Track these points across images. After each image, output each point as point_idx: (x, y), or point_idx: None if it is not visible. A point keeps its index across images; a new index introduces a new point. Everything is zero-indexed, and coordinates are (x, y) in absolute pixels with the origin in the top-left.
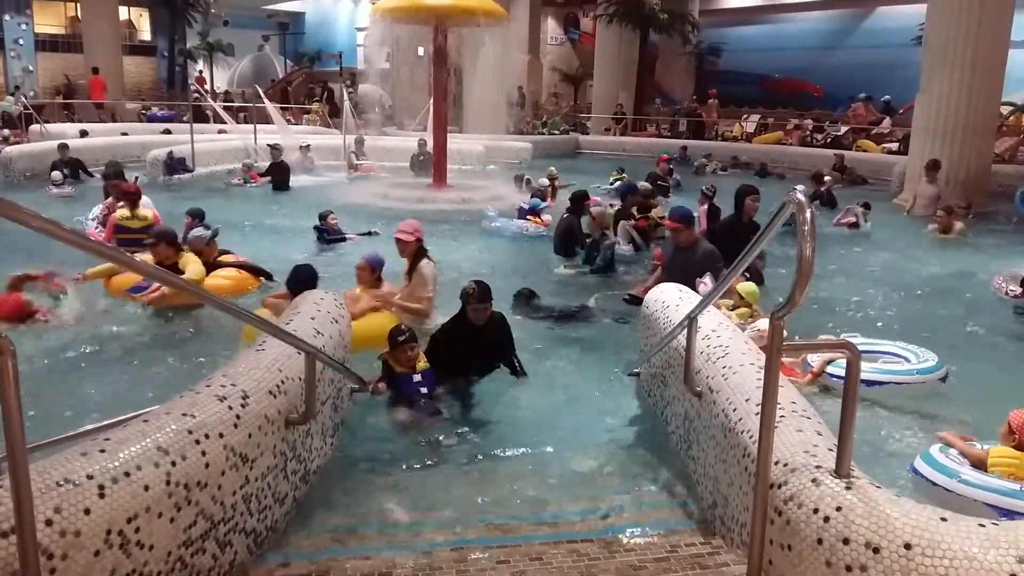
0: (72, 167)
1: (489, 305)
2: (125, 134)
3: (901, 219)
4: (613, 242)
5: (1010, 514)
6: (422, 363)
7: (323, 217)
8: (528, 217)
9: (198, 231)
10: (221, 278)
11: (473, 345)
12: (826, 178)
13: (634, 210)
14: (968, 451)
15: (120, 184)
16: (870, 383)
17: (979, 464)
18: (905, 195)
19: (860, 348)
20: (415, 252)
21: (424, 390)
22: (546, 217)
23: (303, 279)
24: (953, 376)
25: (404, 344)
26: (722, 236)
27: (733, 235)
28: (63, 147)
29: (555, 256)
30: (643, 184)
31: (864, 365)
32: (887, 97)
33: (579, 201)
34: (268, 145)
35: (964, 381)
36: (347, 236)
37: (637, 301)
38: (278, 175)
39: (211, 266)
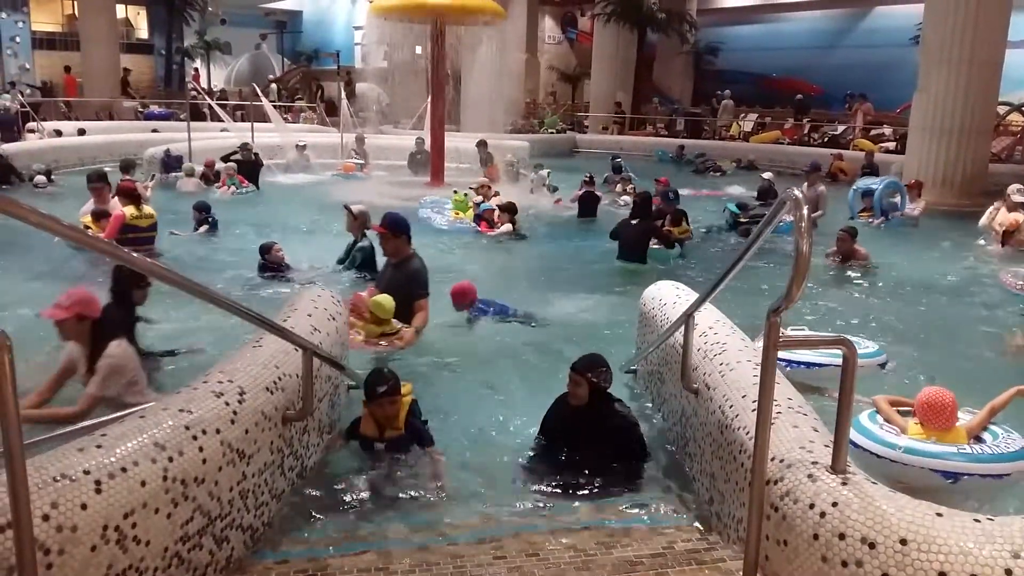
0: (2, 172)
1: (581, 380)
2: (83, 131)
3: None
4: (367, 245)
5: (955, 475)
6: (398, 424)
7: (267, 249)
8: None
9: None
10: None
11: (570, 429)
12: None
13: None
14: (893, 419)
15: (120, 184)
16: (811, 365)
17: (902, 432)
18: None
19: (802, 336)
20: (89, 334)
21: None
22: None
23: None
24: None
25: (383, 397)
26: None
27: None
28: None
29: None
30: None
31: (808, 352)
32: (799, 96)
33: (647, 204)
34: (239, 147)
35: (907, 367)
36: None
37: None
38: (249, 175)
39: None
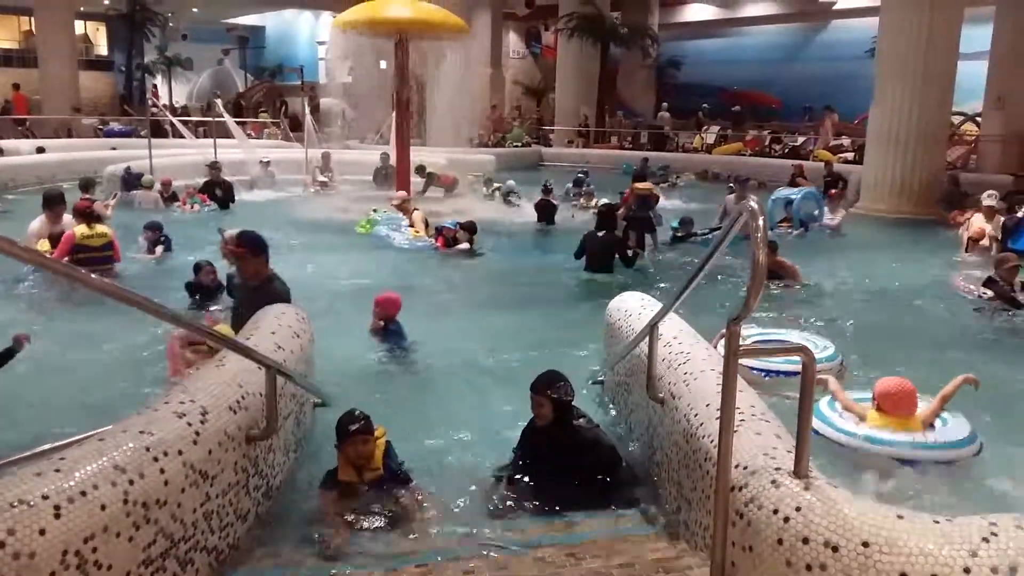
0: None
1: (544, 400)
2: (42, 150)
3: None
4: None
5: (912, 463)
6: (376, 465)
7: (198, 269)
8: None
9: None
10: None
11: (540, 450)
12: None
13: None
14: (851, 407)
15: (77, 203)
16: (782, 373)
17: (861, 419)
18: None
19: (760, 338)
20: None
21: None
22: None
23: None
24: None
25: (356, 435)
26: None
27: None
28: None
29: None
30: None
31: (768, 359)
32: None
33: (611, 215)
34: (207, 165)
35: (864, 365)
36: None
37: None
38: (220, 195)
39: None
